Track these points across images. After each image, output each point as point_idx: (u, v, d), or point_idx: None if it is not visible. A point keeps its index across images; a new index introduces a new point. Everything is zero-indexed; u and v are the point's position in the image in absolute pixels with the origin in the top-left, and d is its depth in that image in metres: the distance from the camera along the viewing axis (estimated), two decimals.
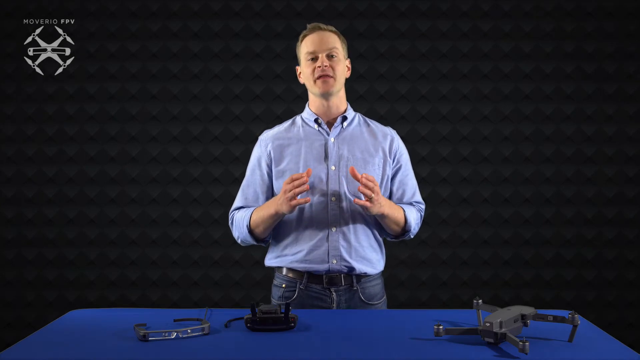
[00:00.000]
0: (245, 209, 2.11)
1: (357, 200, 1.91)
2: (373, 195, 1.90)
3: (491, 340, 1.55)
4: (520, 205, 3.43)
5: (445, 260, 3.44)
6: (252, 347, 1.59)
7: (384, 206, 1.96)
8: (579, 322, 1.60)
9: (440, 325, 1.60)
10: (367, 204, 1.91)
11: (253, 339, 1.65)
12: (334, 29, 2.06)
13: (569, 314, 1.60)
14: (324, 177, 2.03)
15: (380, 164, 2.08)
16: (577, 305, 3.37)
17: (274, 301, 2.11)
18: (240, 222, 2.08)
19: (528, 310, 1.61)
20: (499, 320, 1.53)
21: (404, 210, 2.07)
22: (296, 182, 1.89)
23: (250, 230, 2.05)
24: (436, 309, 2.91)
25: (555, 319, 1.64)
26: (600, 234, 3.42)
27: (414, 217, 2.10)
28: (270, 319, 1.69)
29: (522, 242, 3.43)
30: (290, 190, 1.90)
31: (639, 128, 3.42)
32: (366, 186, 1.89)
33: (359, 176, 1.90)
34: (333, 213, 2.02)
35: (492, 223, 3.44)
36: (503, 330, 1.53)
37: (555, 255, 3.43)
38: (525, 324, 1.60)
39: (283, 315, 1.70)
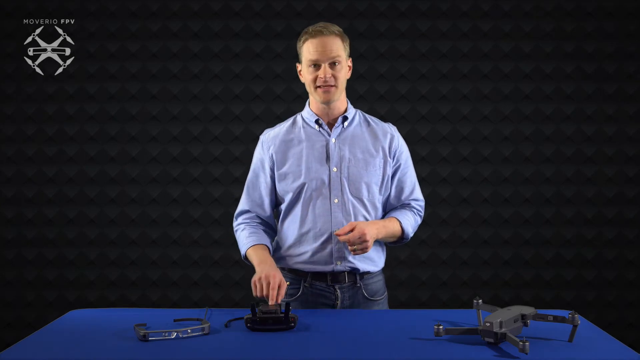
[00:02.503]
0: (248, 229, 2.11)
1: (354, 253, 1.95)
2: (367, 245, 1.92)
3: (491, 340, 1.55)
4: (520, 205, 3.43)
5: (445, 260, 3.44)
6: (252, 347, 1.59)
7: (376, 236, 1.98)
8: (579, 322, 1.60)
9: (440, 325, 1.60)
10: (361, 252, 1.94)
11: (253, 339, 1.65)
12: (337, 29, 2.02)
13: (569, 314, 1.60)
14: (326, 179, 2.04)
15: (380, 165, 2.08)
16: (577, 305, 3.37)
17: None
18: (240, 243, 2.11)
19: (528, 310, 1.62)
20: (499, 320, 1.53)
21: (400, 222, 2.07)
22: (266, 293, 1.85)
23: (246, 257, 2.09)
24: (436, 309, 2.91)
25: (555, 319, 1.64)
26: (600, 234, 3.42)
27: (411, 223, 2.11)
28: (270, 319, 1.70)
29: (522, 242, 3.43)
30: (262, 288, 1.86)
31: (639, 128, 3.42)
32: (353, 243, 1.91)
33: (342, 231, 1.92)
34: (336, 215, 2.02)
35: (492, 223, 3.44)
36: (503, 330, 1.53)
37: (555, 255, 3.42)
38: (525, 324, 1.60)
39: (283, 315, 1.70)
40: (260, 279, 1.88)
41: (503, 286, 3.43)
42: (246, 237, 2.09)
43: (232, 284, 3.42)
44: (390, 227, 2.05)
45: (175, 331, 1.64)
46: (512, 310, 1.60)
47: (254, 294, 1.88)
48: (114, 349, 1.56)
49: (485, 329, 1.55)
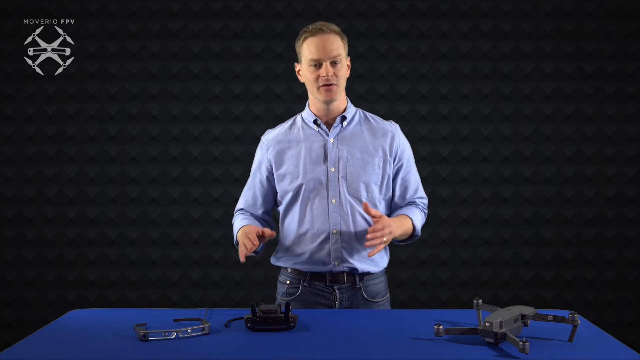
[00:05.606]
0: (241, 216, 2.14)
1: (371, 253, 1.92)
2: (385, 239, 1.90)
3: (491, 340, 1.55)
4: (520, 205, 3.43)
5: (445, 260, 3.44)
6: (252, 347, 1.59)
7: (394, 232, 1.96)
8: (579, 322, 1.60)
9: (440, 325, 1.60)
10: (382, 247, 1.92)
11: (253, 339, 1.65)
12: (336, 28, 2.03)
13: (569, 314, 1.60)
14: (323, 179, 2.03)
15: (380, 164, 2.07)
16: (577, 305, 3.37)
17: (279, 297, 2.13)
18: (234, 231, 2.13)
19: (528, 310, 1.62)
20: (499, 320, 1.53)
21: (411, 219, 2.07)
22: (248, 245, 1.90)
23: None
24: (436, 309, 2.91)
25: (555, 319, 1.64)
26: (600, 234, 3.42)
27: (420, 220, 2.12)
28: (270, 318, 1.70)
29: (522, 242, 3.43)
30: (244, 247, 1.91)
31: (639, 128, 3.42)
32: (374, 237, 1.88)
33: (372, 212, 1.91)
34: (333, 215, 2.02)
35: (492, 223, 3.43)
36: (503, 330, 1.53)
37: (555, 255, 3.42)
38: (525, 324, 1.60)
39: (283, 315, 1.70)
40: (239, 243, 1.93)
41: (503, 286, 3.43)
42: (238, 223, 2.11)
43: (232, 284, 3.42)
44: (405, 224, 2.05)
45: (175, 331, 1.64)
46: (512, 310, 1.60)
47: (241, 259, 1.91)
48: (114, 349, 1.56)
49: (485, 329, 1.55)
